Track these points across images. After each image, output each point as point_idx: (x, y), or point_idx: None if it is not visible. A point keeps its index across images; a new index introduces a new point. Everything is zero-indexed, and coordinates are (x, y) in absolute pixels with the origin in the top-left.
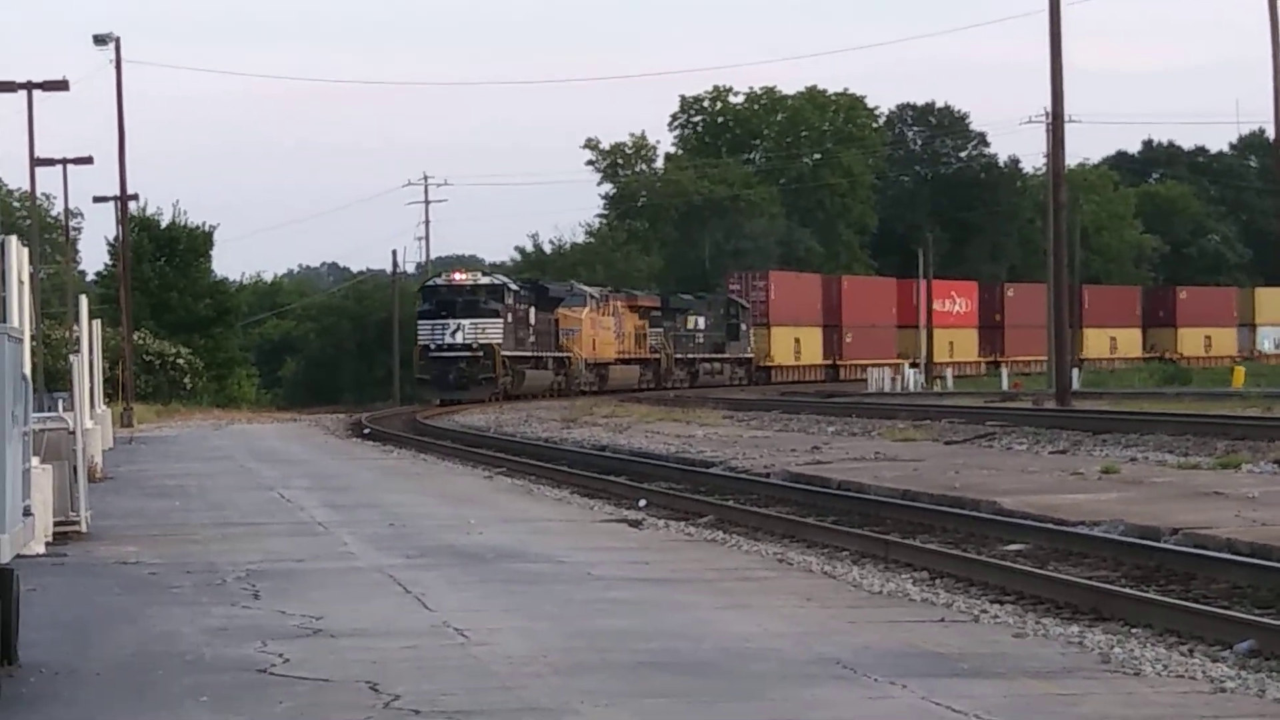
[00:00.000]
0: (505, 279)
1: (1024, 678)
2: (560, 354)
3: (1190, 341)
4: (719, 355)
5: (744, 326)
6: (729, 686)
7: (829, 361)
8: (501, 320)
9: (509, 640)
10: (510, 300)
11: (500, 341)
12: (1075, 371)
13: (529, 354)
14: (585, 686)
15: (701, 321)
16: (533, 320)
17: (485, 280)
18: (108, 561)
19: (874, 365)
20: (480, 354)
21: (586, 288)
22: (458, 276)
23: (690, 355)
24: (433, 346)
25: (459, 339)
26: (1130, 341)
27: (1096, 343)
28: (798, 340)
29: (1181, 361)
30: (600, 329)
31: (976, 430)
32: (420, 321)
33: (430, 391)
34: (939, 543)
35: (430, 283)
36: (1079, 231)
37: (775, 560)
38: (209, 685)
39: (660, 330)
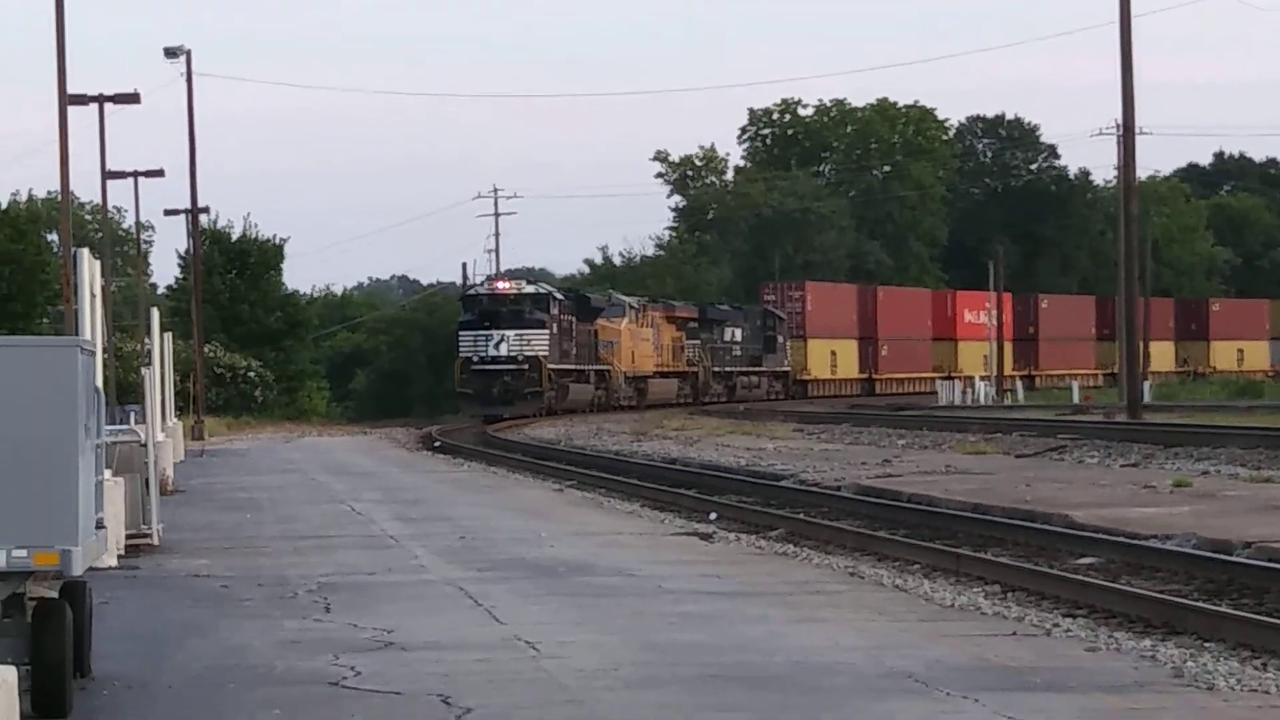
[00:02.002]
0: (550, 288)
1: (1097, 692)
2: (600, 366)
3: (1223, 355)
4: (756, 368)
5: (780, 339)
6: (800, 700)
7: (864, 375)
8: (547, 331)
9: (580, 653)
10: (555, 310)
11: (546, 354)
12: (1146, 384)
13: (572, 367)
14: (656, 700)
15: (738, 333)
16: (575, 332)
17: (530, 289)
18: (179, 574)
19: (907, 377)
20: (525, 367)
21: (625, 298)
22: (501, 285)
23: (727, 368)
24: (475, 359)
25: (503, 351)
26: (1163, 355)
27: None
28: (834, 353)
29: (1213, 375)
30: (639, 341)
31: (1047, 443)
32: (461, 333)
33: (472, 406)
34: (1010, 556)
35: (472, 291)
36: (1150, 244)
37: (846, 574)
38: (281, 699)
39: (697, 342)
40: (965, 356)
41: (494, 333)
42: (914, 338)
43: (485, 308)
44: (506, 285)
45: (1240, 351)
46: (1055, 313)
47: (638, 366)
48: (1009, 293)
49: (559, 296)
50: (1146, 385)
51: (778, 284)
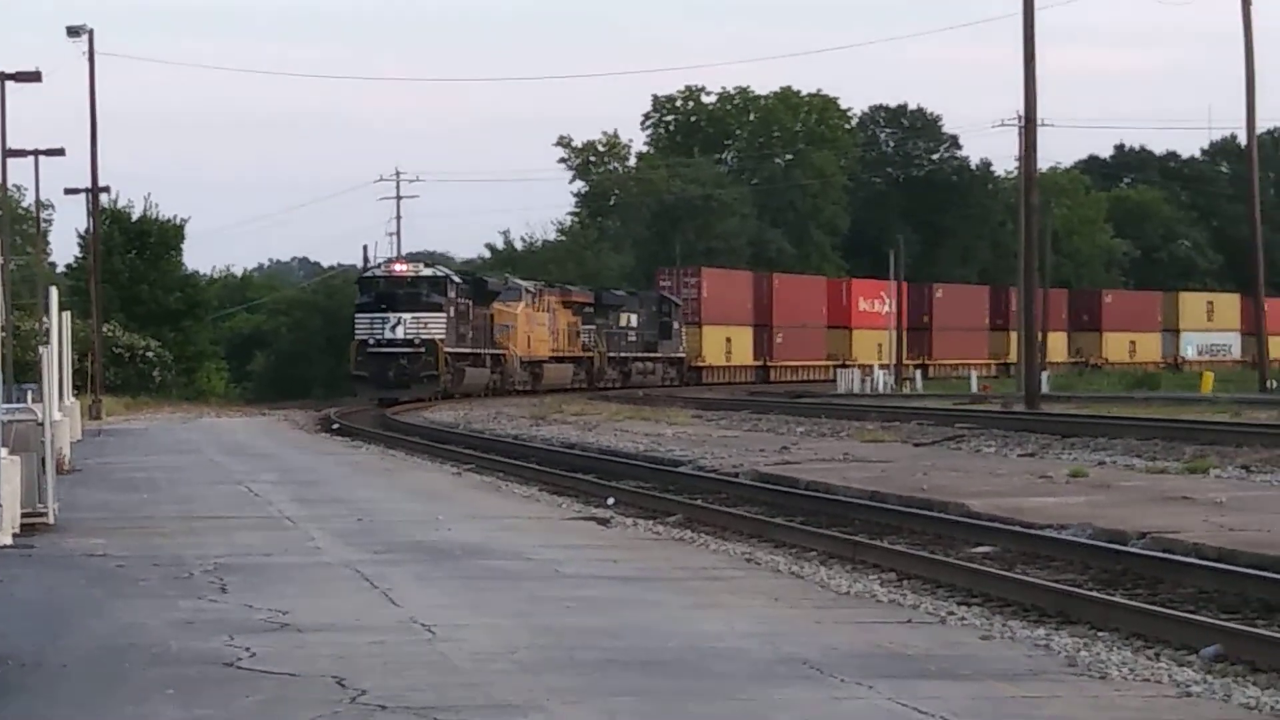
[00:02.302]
0: (448, 271)
1: (990, 680)
2: (496, 351)
3: (1115, 347)
4: (651, 354)
5: (676, 325)
6: (696, 685)
7: (759, 362)
8: (444, 315)
9: (476, 636)
10: (453, 294)
11: (443, 337)
12: (1044, 375)
13: (469, 350)
14: (552, 684)
15: (634, 319)
16: (472, 316)
17: (427, 272)
18: (75, 554)
19: (802, 364)
20: (422, 350)
21: (522, 282)
22: (398, 267)
23: (623, 354)
24: (371, 341)
25: (399, 334)
26: (1057, 346)
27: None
28: (729, 340)
29: (1105, 367)
30: (535, 325)
31: (945, 433)
32: (358, 315)
33: (368, 389)
34: (907, 544)
35: (368, 273)
36: (1050, 235)
37: (743, 560)
38: (176, 678)
39: (593, 327)
40: (860, 345)
41: (390, 315)
42: (809, 325)
43: (382, 290)
44: (404, 268)
45: (1132, 343)
46: (949, 302)
47: (533, 351)
48: (905, 282)
49: (456, 280)
50: (1044, 376)
51: (674, 269)
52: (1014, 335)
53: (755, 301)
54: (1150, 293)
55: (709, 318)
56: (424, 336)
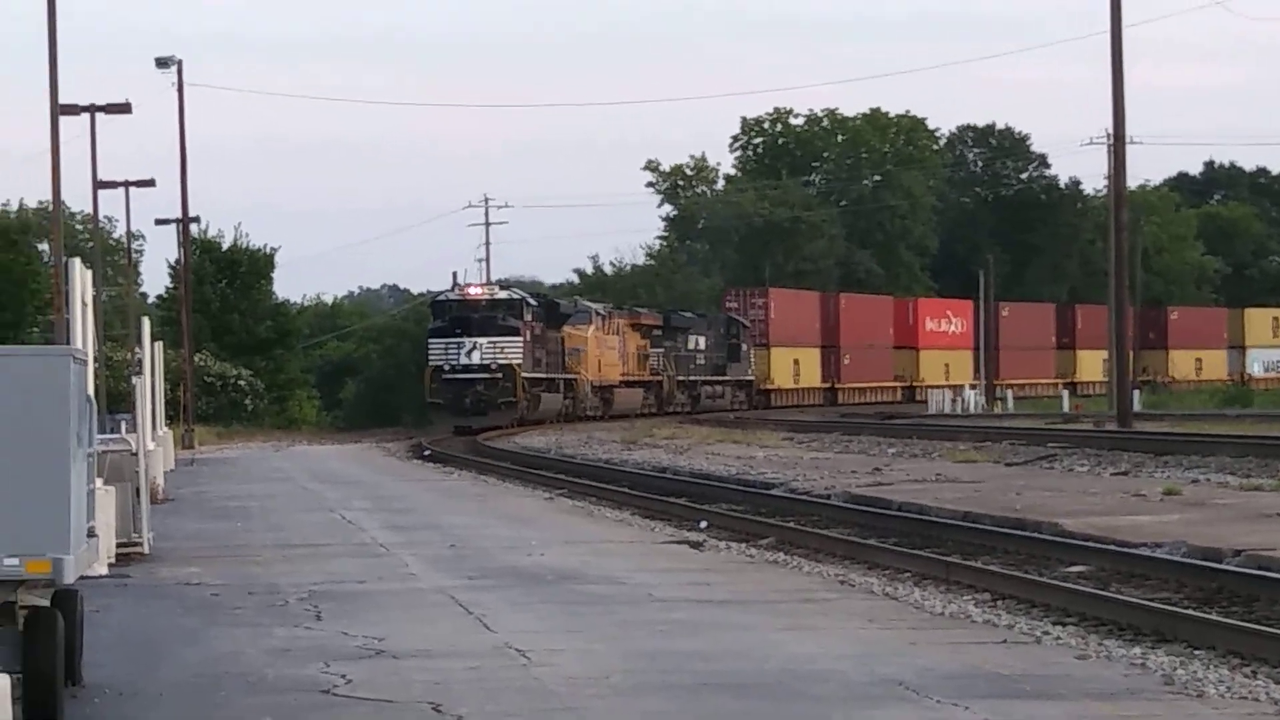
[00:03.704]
0: (524, 294)
1: (1087, 700)
2: (567, 375)
3: (1182, 364)
4: (720, 377)
5: (744, 347)
6: (791, 708)
7: (827, 384)
8: (521, 339)
9: (570, 661)
10: (529, 317)
11: (520, 362)
12: (1136, 393)
13: (544, 376)
14: (647, 708)
15: (702, 341)
16: (545, 339)
17: (503, 295)
18: (170, 583)
19: (869, 386)
20: (499, 376)
21: (591, 304)
22: (473, 290)
23: (691, 377)
24: (446, 367)
25: (475, 359)
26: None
27: (1090, 365)
28: (797, 362)
29: (1172, 385)
30: (605, 349)
31: (1037, 452)
32: (432, 340)
33: (444, 417)
34: (1001, 564)
35: (442, 297)
36: (1140, 253)
37: (837, 582)
38: (273, 706)
39: (661, 350)
40: (927, 365)
41: (465, 340)
42: (876, 345)
43: (456, 314)
44: (479, 290)
45: (1199, 360)
46: (1016, 321)
47: (604, 375)
48: (969, 300)
49: (532, 302)
50: (1136, 394)
51: (740, 290)
52: (1080, 354)
53: (823, 322)
54: (1216, 309)
55: (777, 339)
56: (501, 361)
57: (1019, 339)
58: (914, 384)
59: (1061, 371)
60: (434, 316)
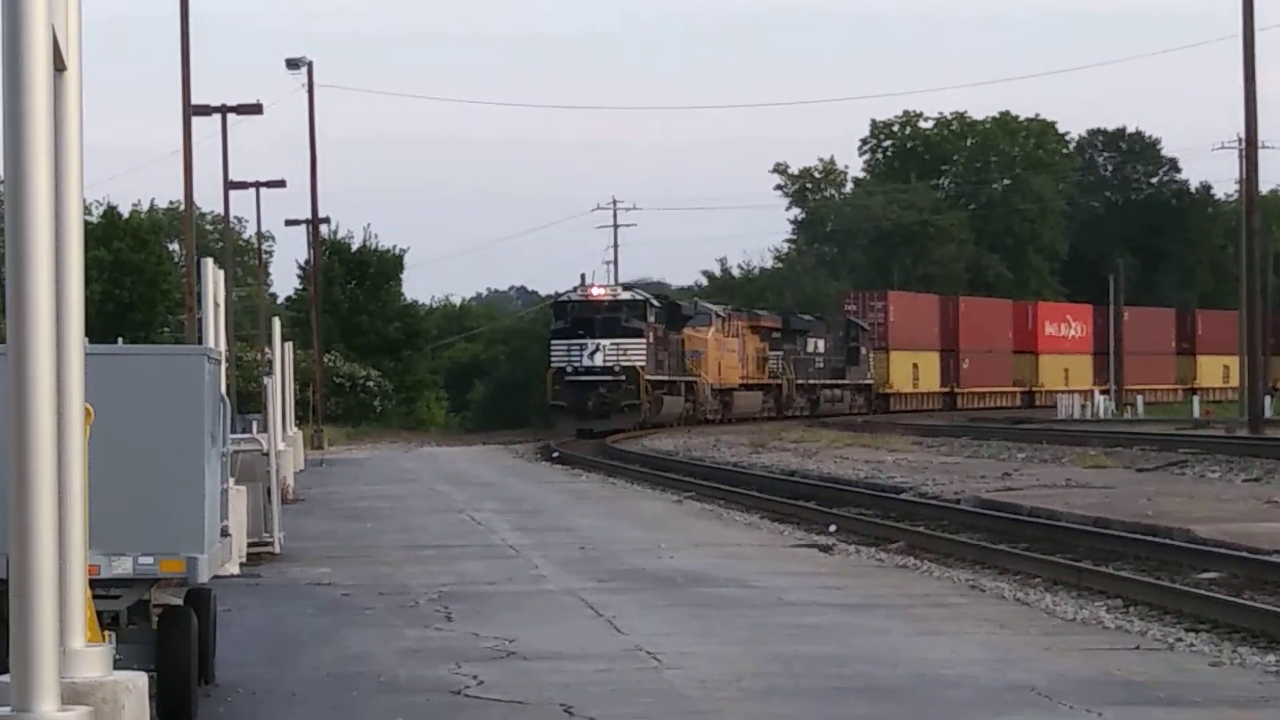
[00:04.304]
0: (646, 295)
1: (1221, 707)
2: (688, 378)
3: None
4: (839, 381)
5: (863, 350)
6: (923, 712)
7: (946, 389)
8: (644, 340)
9: (702, 664)
10: (652, 318)
11: (644, 364)
12: (1268, 399)
13: (666, 378)
14: (779, 711)
15: (821, 345)
16: (667, 341)
17: (626, 295)
18: (301, 582)
19: (989, 391)
20: (623, 378)
21: (712, 306)
22: (595, 291)
23: (810, 381)
24: (569, 369)
25: (598, 361)
26: (1234, 370)
27: (1211, 371)
28: (916, 366)
29: None
30: (725, 351)
31: (1168, 458)
32: (554, 341)
33: (566, 420)
34: (1133, 570)
35: (564, 298)
36: (1271, 258)
37: (967, 586)
38: (404, 706)
39: (780, 353)
40: (1046, 370)
41: (589, 341)
42: (995, 350)
43: (579, 315)
44: (601, 291)
45: None
46: (1135, 326)
47: (723, 378)
48: (1089, 305)
49: (655, 304)
50: (1267, 400)
51: (859, 293)
52: (1201, 359)
53: (942, 326)
54: None
55: (896, 343)
56: (624, 364)
57: (1139, 344)
58: (1033, 389)
59: (1181, 377)
60: (555, 318)
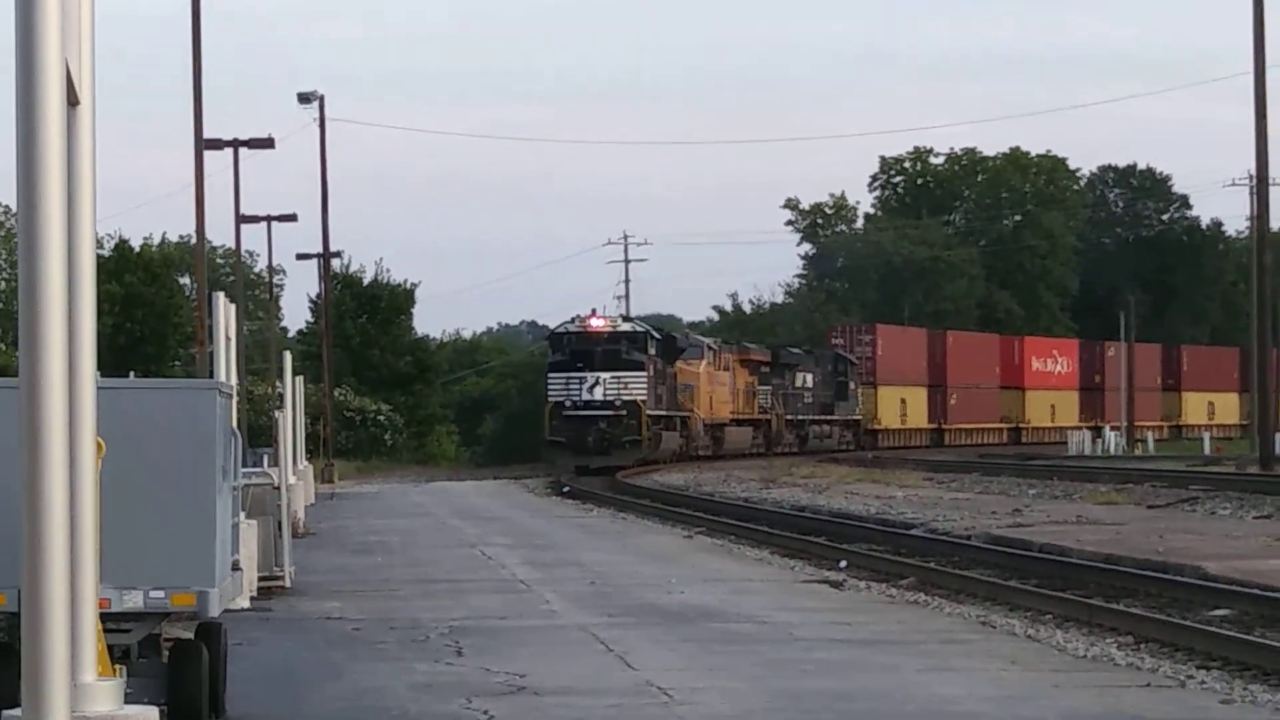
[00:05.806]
0: (648, 326)
1: None
2: (681, 413)
3: None
4: (828, 416)
5: (852, 385)
6: None
7: (934, 425)
8: (645, 373)
9: (713, 700)
10: (653, 350)
11: (645, 398)
12: (1278, 436)
13: (664, 413)
14: None
15: (810, 379)
16: (665, 375)
17: (626, 327)
18: (312, 616)
19: (976, 427)
20: (624, 413)
21: (703, 339)
22: (595, 322)
23: (799, 416)
24: (567, 403)
25: (598, 395)
26: (1227, 407)
27: (1196, 408)
28: (904, 401)
29: None
30: (717, 385)
31: (1179, 494)
32: (551, 374)
33: (565, 456)
34: (1143, 607)
35: (561, 329)
36: None
37: (978, 623)
38: None
39: (769, 388)
40: (1033, 407)
41: (588, 374)
42: (982, 386)
43: (577, 347)
44: (601, 322)
45: None
46: (1121, 362)
47: (715, 413)
48: (1075, 340)
49: (656, 335)
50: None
51: (847, 325)
52: (1186, 395)
53: (929, 360)
54: None
55: (884, 378)
56: (625, 397)
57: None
58: (1019, 425)
59: (1166, 413)
60: (553, 350)
